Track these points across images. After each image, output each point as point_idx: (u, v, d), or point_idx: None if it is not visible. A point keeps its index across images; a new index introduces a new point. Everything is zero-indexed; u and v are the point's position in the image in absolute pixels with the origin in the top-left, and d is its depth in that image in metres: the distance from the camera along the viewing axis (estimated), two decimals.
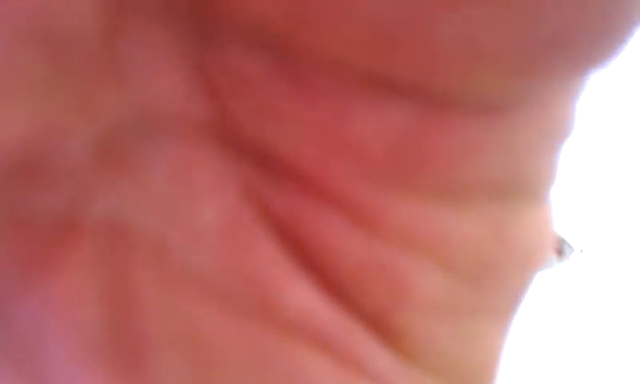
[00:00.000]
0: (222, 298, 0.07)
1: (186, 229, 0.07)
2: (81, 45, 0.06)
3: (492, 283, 0.08)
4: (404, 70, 0.06)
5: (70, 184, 0.07)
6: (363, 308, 0.08)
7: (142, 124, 0.07)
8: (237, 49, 0.07)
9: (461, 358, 0.08)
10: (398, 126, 0.07)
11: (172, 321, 0.07)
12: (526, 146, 0.08)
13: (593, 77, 0.07)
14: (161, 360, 0.07)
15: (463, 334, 0.08)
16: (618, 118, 0.59)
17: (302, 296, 0.08)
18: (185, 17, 0.07)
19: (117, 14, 0.06)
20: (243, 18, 0.06)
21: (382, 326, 0.08)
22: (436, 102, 0.07)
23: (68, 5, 0.06)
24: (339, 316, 0.08)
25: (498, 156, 0.07)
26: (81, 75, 0.06)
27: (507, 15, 0.06)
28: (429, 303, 0.08)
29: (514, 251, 0.08)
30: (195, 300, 0.07)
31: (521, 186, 0.08)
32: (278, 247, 0.07)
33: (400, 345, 0.08)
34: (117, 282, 0.07)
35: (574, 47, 0.06)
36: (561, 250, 0.60)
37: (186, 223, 0.07)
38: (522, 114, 0.07)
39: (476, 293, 0.08)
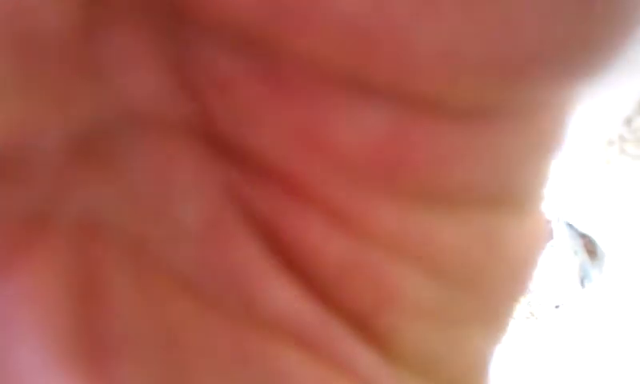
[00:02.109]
0: (201, 297, 0.07)
1: (165, 228, 0.07)
2: (57, 43, 0.06)
3: (480, 290, 0.08)
4: (383, 73, 0.06)
5: (45, 181, 0.07)
6: (347, 309, 0.08)
7: (120, 123, 0.07)
8: (216, 48, 0.07)
9: (448, 361, 0.08)
10: (379, 128, 0.07)
11: (148, 320, 0.07)
12: (513, 156, 0.07)
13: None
14: (135, 359, 0.07)
15: (451, 338, 0.08)
16: None
17: (284, 296, 0.07)
18: (163, 16, 0.07)
19: (94, 12, 0.06)
20: (222, 17, 0.06)
21: (366, 328, 0.08)
22: (418, 106, 0.07)
23: (43, 3, 0.06)
24: (322, 316, 0.08)
25: (484, 163, 0.07)
26: (57, 73, 0.06)
27: (489, 26, 0.06)
28: (415, 307, 0.08)
29: (502, 259, 0.08)
30: (174, 299, 0.07)
31: (508, 195, 0.08)
32: (259, 247, 0.07)
33: (386, 346, 0.08)
34: (90, 280, 0.07)
35: (557, 61, 0.06)
36: (594, 251, 0.59)
37: (165, 223, 0.07)
38: (509, 123, 0.07)
39: (464, 299, 0.08)
